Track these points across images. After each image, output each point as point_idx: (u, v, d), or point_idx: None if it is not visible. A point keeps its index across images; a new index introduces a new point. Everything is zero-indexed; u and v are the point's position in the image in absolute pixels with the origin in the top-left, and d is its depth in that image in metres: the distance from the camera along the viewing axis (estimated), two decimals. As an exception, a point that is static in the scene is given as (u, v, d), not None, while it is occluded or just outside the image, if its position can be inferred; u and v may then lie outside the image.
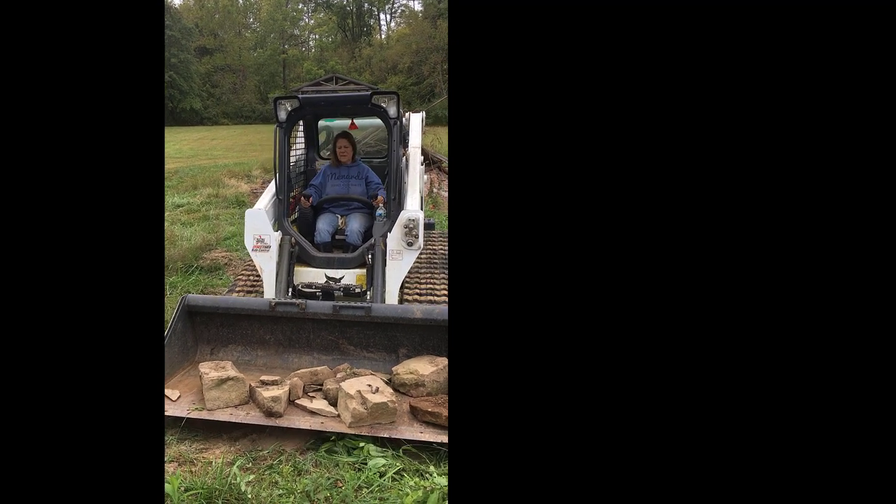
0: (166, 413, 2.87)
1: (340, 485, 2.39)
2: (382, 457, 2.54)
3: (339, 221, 4.43)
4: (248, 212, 3.99)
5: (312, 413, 2.89)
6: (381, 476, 2.41)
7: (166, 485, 2.29)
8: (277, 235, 3.97)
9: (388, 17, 62.03)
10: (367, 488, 2.35)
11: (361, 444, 2.62)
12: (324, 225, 4.29)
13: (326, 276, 3.93)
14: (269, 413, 2.84)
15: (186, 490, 2.32)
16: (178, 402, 2.97)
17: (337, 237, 4.35)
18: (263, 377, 3.05)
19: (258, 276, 4.21)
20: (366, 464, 2.51)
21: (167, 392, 3.05)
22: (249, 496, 2.30)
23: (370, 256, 3.85)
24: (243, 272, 5.02)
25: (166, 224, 8.01)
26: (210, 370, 3.01)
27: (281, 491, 2.36)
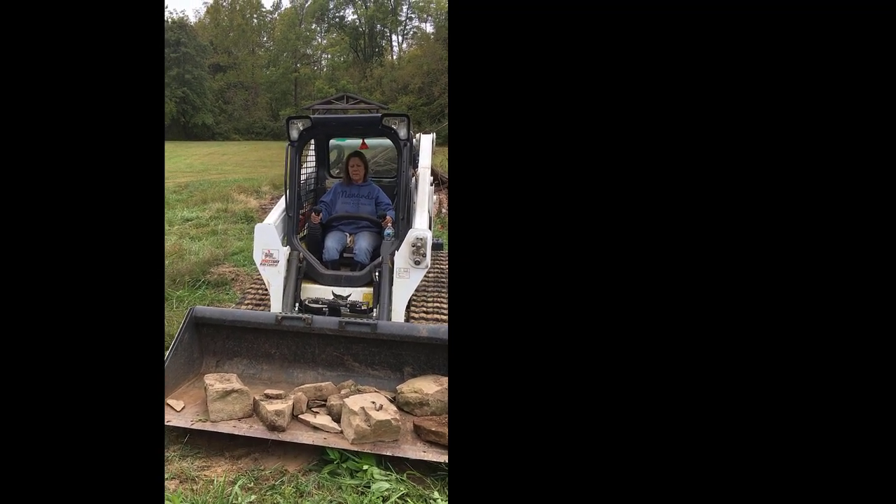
0: (169, 423, 2.86)
1: (343, 508, 2.35)
2: (386, 481, 2.50)
3: (348, 239, 4.43)
4: (257, 226, 4.01)
5: (315, 428, 2.86)
6: (384, 501, 2.38)
7: (167, 503, 2.27)
8: (286, 250, 3.98)
9: (400, 38, 62.62)
10: (370, 512, 2.31)
11: (365, 467, 2.59)
12: (332, 243, 4.30)
13: (333, 294, 3.92)
14: (273, 427, 2.81)
15: (187, 508, 2.29)
16: (181, 413, 2.96)
17: (345, 255, 4.35)
18: (267, 391, 3.03)
19: (265, 291, 4.21)
20: (369, 487, 2.47)
21: (171, 402, 3.04)
22: (250, 517, 2.27)
23: (377, 274, 3.85)
24: (251, 287, 5.02)
25: (175, 238, 8.03)
26: (215, 382, 3.00)
27: (282, 512, 2.32)
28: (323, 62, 61.85)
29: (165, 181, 16.14)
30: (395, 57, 59.91)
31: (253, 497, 2.41)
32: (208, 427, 2.85)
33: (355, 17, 61.07)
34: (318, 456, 2.75)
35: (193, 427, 2.86)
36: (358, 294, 3.92)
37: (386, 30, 61.92)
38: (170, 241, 7.67)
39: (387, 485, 2.47)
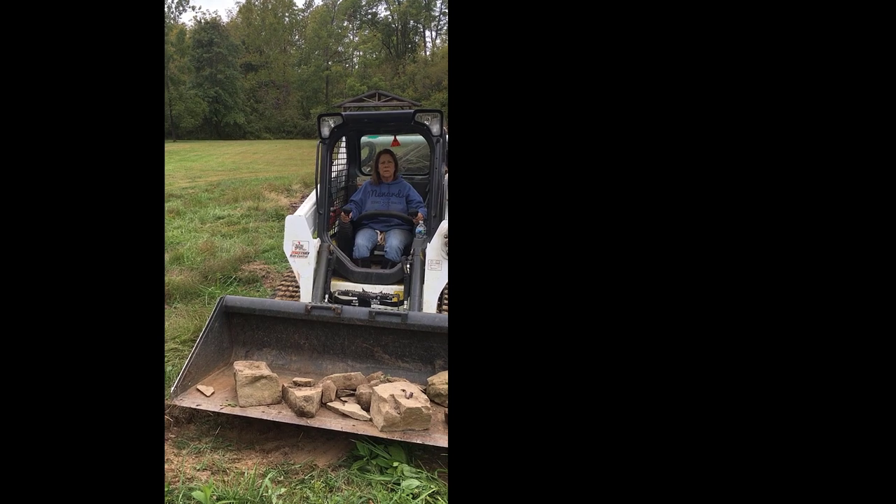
0: (199, 407, 2.91)
1: (372, 504, 2.35)
2: (416, 478, 2.50)
3: (379, 237, 4.43)
4: (288, 218, 4.03)
5: (344, 416, 2.87)
6: (414, 498, 2.37)
7: (198, 493, 2.29)
8: (316, 242, 3.99)
9: (434, 33, 62.54)
10: (400, 509, 2.31)
11: (395, 464, 2.59)
12: (363, 240, 4.30)
13: (364, 291, 3.92)
14: (301, 413, 2.82)
15: (218, 499, 2.31)
16: (211, 398, 3.00)
17: (376, 253, 4.35)
18: (296, 378, 3.06)
19: (296, 288, 4.23)
20: (399, 484, 2.46)
21: (201, 388, 3.08)
22: (280, 510, 2.28)
23: (408, 267, 3.84)
24: (281, 284, 5.07)
25: (207, 235, 8.13)
26: (244, 368, 3.03)
27: (312, 507, 2.34)
28: (355, 59, 62.17)
29: (198, 180, 16.40)
30: (428, 53, 59.91)
31: (283, 490, 2.42)
32: (237, 412, 2.87)
33: (388, 13, 61.31)
34: (347, 451, 2.76)
35: (222, 411, 2.89)
36: (389, 292, 3.93)
37: (419, 25, 61.99)
38: (202, 239, 7.77)
39: (417, 482, 2.46)
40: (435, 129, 3.97)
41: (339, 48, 61.30)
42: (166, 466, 2.62)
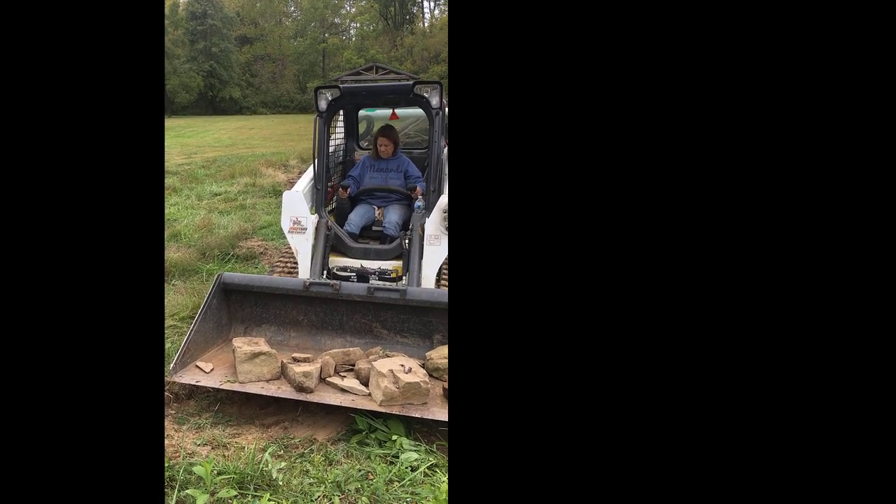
0: (199, 383, 2.93)
1: (372, 477, 2.37)
2: (415, 451, 2.52)
3: (377, 213, 4.41)
4: (285, 194, 4.00)
5: (343, 391, 2.89)
6: (413, 470, 2.39)
7: (199, 467, 2.31)
8: (314, 218, 3.96)
9: (432, 4, 61.42)
10: (399, 482, 2.33)
11: (394, 437, 2.61)
12: (356, 217, 4.28)
13: (362, 267, 3.91)
14: (300, 388, 2.84)
15: (219, 474, 2.33)
16: (211, 374, 3.02)
17: (374, 228, 4.33)
18: (295, 354, 3.07)
19: (294, 264, 4.22)
20: (398, 457, 2.49)
21: (200, 364, 3.10)
22: (280, 483, 2.30)
23: (407, 242, 3.83)
24: (279, 261, 5.07)
25: (204, 212, 8.11)
26: (243, 344, 3.05)
27: (312, 480, 2.36)
28: (352, 31, 61.15)
29: (194, 156, 16.30)
30: (426, 24, 59.06)
31: (283, 464, 2.45)
32: (237, 387, 2.90)
33: (385, -18, 60.30)
34: (346, 425, 2.79)
35: (222, 387, 2.92)
36: (388, 266, 3.92)
37: (417, -5, 61.06)
38: (199, 216, 7.75)
39: (416, 455, 2.49)
40: (434, 101, 3.91)
41: (336, 19, 60.38)
42: (167, 442, 2.64)
